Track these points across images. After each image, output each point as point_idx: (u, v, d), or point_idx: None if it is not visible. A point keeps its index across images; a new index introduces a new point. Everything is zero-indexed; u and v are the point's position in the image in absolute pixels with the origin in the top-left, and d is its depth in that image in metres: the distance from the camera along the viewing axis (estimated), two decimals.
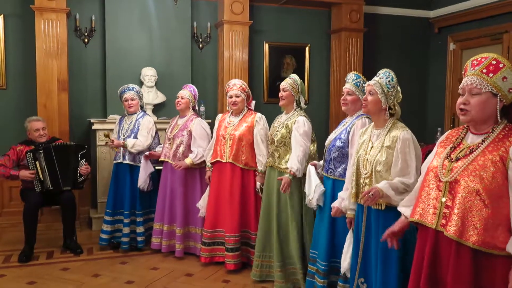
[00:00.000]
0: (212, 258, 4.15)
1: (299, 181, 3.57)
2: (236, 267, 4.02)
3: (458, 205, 1.92)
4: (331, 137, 3.23)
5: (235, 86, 4.11)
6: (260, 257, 3.80)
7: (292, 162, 3.49)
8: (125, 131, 4.55)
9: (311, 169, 3.28)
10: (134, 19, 5.64)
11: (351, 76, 3.20)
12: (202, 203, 4.22)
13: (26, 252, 4.29)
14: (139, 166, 4.48)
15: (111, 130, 4.87)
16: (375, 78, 2.65)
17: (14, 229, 5.01)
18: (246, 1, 5.83)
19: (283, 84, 3.71)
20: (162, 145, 4.59)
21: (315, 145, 3.74)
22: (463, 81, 2.01)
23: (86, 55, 5.62)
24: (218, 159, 4.09)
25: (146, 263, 4.29)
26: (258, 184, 4.02)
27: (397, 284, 2.48)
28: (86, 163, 4.62)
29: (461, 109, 2.00)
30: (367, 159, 2.59)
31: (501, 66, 1.94)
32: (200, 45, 6.02)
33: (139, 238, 4.56)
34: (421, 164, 2.40)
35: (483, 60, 1.98)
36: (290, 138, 3.60)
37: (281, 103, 3.73)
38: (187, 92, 4.46)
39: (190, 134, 4.34)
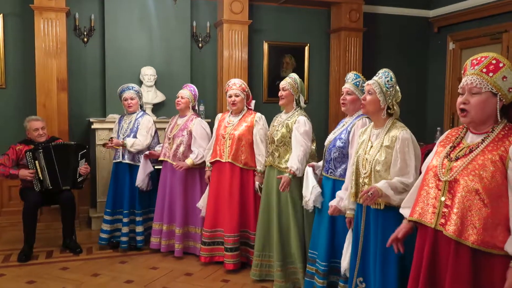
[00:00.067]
0: (212, 257, 4.15)
1: (300, 180, 3.57)
2: (235, 267, 4.02)
3: (458, 204, 1.92)
4: (330, 137, 3.23)
5: (235, 85, 4.11)
6: (259, 256, 3.80)
7: (293, 161, 3.49)
8: (125, 130, 4.55)
9: (308, 171, 3.28)
10: (134, 19, 5.63)
11: (351, 75, 3.20)
12: (202, 203, 4.22)
13: (26, 251, 4.29)
14: (138, 166, 4.47)
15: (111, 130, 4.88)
16: (374, 77, 2.65)
17: (13, 229, 5.01)
18: (246, 1, 5.83)
19: (283, 84, 3.71)
20: (161, 145, 4.59)
21: (315, 145, 3.74)
22: (463, 80, 2.01)
23: (85, 55, 5.62)
24: (218, 158, 4.08)
25: (145, 262, 4.29)
26: (257, 183, 4.02)
27: (396, 283, 2.48)
28: (86, 163, 4.62)
29: (462, 110, 2.00)
30: (367, 159, 2.59)
31: (501, 65, 1.94)
32: (200, 45, 6.02)
33: (138, 238, 4.56)
34: (420, 164, 2.40)
35: (483, 59, 1.98)
36: (290, 137, 3.60)
37: (280, 102, 3.73)
38: (187, 92, 4.45)
39: (190, 134, 4.34)
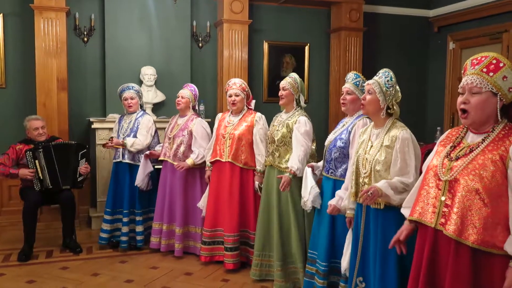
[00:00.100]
0: (212, 257, 4.15)
1: (300, 180, 3.57)
2: (235, 267, 4.02)
3: (458, 204, 1.92)
4: (331, 137, 3.22)
5: (235, 85, 4.11)
6: (259, 256, 3.79)
7: (293, 161, 3.49)
8: (125, 130, 4.55)
9: (307, 171, 3.28)
10: (134, 18, 5.63)
11: (351, 75, 3.20)
12: (203, 203, 4.22)
13: (26, 251, 4.29)
14: (138, 165, 4.47)
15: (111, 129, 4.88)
16: (375, 77, 2.66)
17: (13, 228, 5.01)
18: (246, 0, 5.83)
19: (283, 83, 3.71)
20: (161, 144, 4.59)
21: (314, 145, 3.74)
22: (463, 80, 2.01)
23: (85, 54, 5.62)
24: (218, 158, 4.08)
25: (145, 262, 4.29)
26: (256, 183, 4.02)
27: (395, 283, 2.48)
28: (86, 162, 4.62)
29: (463, 111, 2.00)
30: (367, 159, 2.59)
31: (501, 65, 1.94)
32: (200, 44, 6.02)
33: (138, 237, 4.56)
34: (420, 164, 2.40)
35: (483, 59, 1.98)
36: (290, 137, 3.60)
37: (281, 102, 3.73)
38: (188, 92, 4.45)
39: (190, 134, 4.34)
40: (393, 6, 6.87)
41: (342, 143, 3.09)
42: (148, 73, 5.56)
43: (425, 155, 2.38)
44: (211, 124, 4.51)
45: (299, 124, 3.57)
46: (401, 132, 2.52)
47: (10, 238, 4.86)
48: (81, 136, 5.59)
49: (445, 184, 1.99)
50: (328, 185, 3.17)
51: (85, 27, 5.56)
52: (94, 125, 5.30)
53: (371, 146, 2.61)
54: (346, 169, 3.03)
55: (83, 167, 4.55)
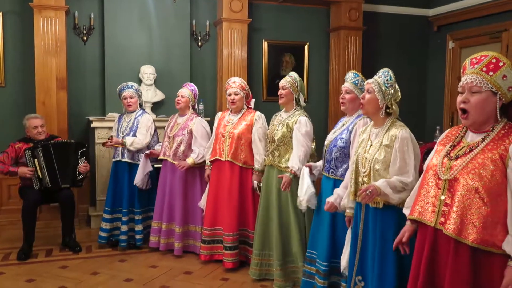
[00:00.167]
0: (212, 256, 4.15)
1: None
2: (234, 266, 4.02)
3: (457, 203, 1.92)
4: (331, 137, 3.21)
5: (235, 83, 4.11)
6: (259, 255, 3.79)
7: (294, 161, 3.49)
8: (124, 129, 4.55)
9: (304, 171, 3.27)
10: (133, 17, 5.63)
11: (350, 74, 3.20)
12: (204, 203, 4.22)
13: (25, 250, 4.29)
14: (138, 164, 4.47)
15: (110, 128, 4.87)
16: (374, 76, 2.66)
17: (12, 227, 5.00)
18: None
19: (282, 82, 3.71)
20: (161, 144, 4.59)
21: (314, 144, 3.74)
22: (463, 79, 2.01)
23: (85, 53, 5.61)
24: (217, 157, 4.08)
25: (144, 261, 4.29)
26: (255, 182, 4.01)
27: (394, 282, 2.48)
28: (86, 161, 4.61)
29: (462, 111, 2.00)
30: (366, 158, 2.59)
31: (501, 64, 1.94)
32: (199, 43, 6.02)
33: (138, 236, 4.56)
34: (420, 163, 2.40)
35: (482, 58, 1.98)
36: (290, 137, 3.60)
37: (280, 101, 3.73)
38: (187, 91, 4.45)
39: (190, 133, 4.34)
40: (392, 5, 6.86)
41: (343, 142, 3.08)
42: (148, 72, 5.55)
43: (425, 154, 2.39)
44: (211, 123, 4.51)
45: (300, 125, 3.56)
46: (400, 132, 2.52)
47: (10, 237, 4.86)
48: (80, 135, 5.58)
49: (445, 183, 1.99)
50: (329, 185, 3.16)
51: (84, 26, 5.55)
52: (94, 124, 5.30)
53: (371, 145, 2.61)
54: (346, 169, 3.02)
55: (82, 166, 4.54)
